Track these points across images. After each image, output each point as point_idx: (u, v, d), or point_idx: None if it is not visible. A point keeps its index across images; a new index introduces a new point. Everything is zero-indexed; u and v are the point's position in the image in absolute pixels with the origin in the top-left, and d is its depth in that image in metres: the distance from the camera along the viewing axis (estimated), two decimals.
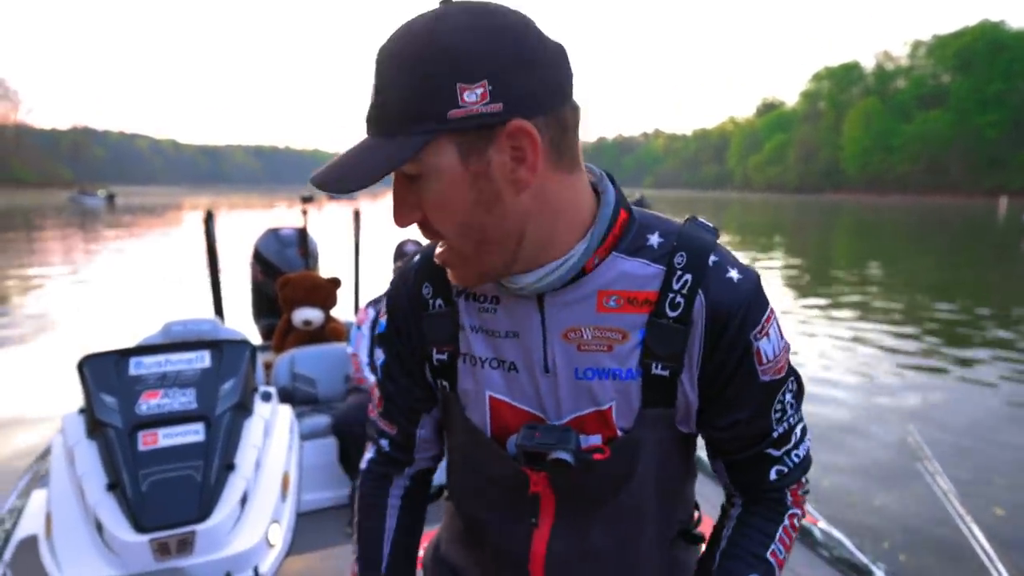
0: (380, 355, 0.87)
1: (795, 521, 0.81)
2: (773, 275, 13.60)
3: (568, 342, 0.72)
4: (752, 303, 0.71)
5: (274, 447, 2.22)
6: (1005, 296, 11.38)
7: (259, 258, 4.75)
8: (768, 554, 0.78)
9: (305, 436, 2.97)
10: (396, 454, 0.91)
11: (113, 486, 1.86)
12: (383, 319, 0.86)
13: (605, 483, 0.76)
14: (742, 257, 0.79)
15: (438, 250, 0.70)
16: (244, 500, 1.96)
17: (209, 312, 4.17)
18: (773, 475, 0.78)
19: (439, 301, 0.79)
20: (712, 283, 0.70)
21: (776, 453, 0.78)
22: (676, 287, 0.70)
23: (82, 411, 2.11)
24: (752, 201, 78.23)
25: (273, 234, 4.81)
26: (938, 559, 2.90)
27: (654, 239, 0.72)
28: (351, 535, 2.70)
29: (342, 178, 0.61)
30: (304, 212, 4.78)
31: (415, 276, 0.82)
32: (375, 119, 0.62)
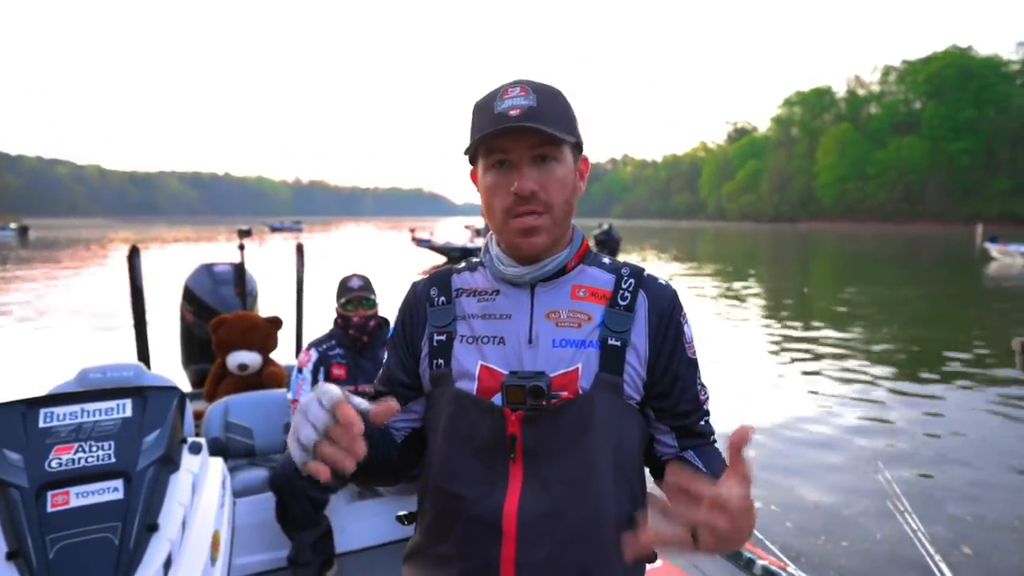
0: (386, 355, 1.21)
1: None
2: (755, 304, 13.91)
3: (549, 320, 1.08)
4: (676, 298, 1.13)
5: (203, 505, 2.15)
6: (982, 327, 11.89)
7: (190, 297, 4.61)
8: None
9: (239, 492, 2.89)
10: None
11: (13, 555, 1.78)
12: (394, 325, 1.21)
13: (566, 433, 1.02)
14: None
15: (530, 221, 1.03)
16: (168, 564, 1.90)
17: (132, 358, 4.05)
18: (706, 431, 1.14)
19: (442, 299, 1.16)
20: (649, 285, 1.12)
21: (704, 422, 1.14)
22: (624, 287, 1.11)
23: None
24: (727, 231, 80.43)
25: (206, 270, 4.69)
26: None
27: (606, 260, 1.17)
28: None
29: (551, 129, 0.99)
30: (241, 247, 4.70)
31: (426, 284, 1.20)
32: (538, 114, 1.00)
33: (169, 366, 4.50)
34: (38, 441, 1.99)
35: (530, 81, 1.05)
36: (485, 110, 1.04)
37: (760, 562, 2.14)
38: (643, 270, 1.14)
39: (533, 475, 1.02)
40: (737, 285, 18.82)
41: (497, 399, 1.03)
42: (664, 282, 1.14)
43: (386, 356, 1.20)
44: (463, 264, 1.22)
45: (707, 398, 1.16)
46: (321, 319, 4.99)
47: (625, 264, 1.15)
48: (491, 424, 1.03)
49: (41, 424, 2.04)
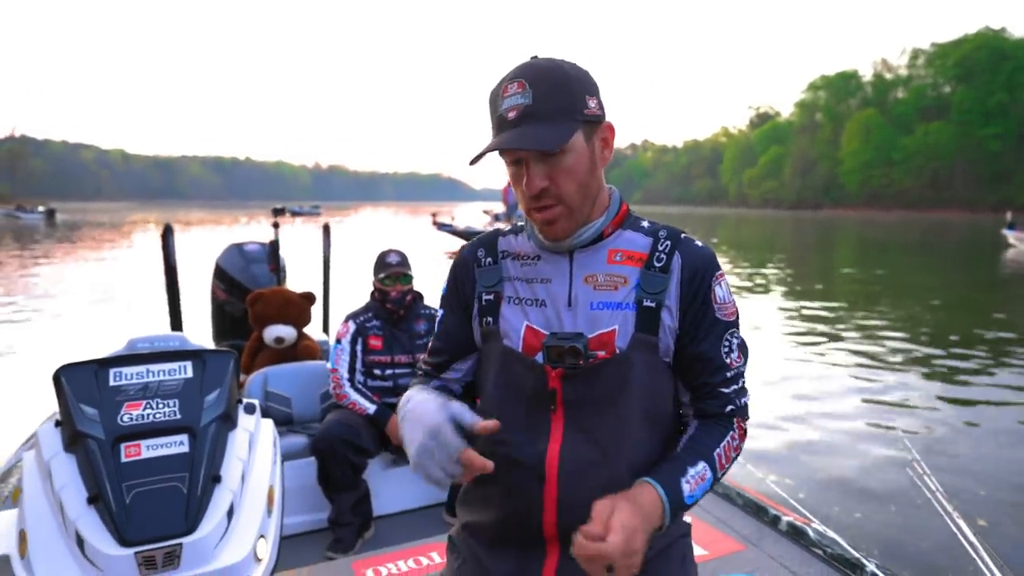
0: (440, 312, 1.29)
1: (735, 442, 1.15)
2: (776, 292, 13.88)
3: (586, 284, 1.13)
4: (712, 260, 1.15)
5: (259, 461, 2.31)
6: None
7: (221, 275, 4.74)
8: (714, 452, 1.10)
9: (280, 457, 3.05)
10: (432, 371, 1.28)
11: (94, 499, 1.94)
12: (444, 287, 1.28)
13: (604, 389, 1.09)
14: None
15: (547, 213, 1.08)
16: (231, 513, 2.05)
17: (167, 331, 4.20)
18: (728, 408, 1.15)
19: (489, 259, 1.23)
20: (685, 246, 1.14)
21: (727, 391, 1.14)
22: (660, 249, 1.14)
23: (58, 423, 2.19)
24: (748, 217, 79.71)
25: (236, 249, 4.83)
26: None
27: (644, 223, 1.19)
28: (331, 559, 2.79)
29: (540, 140, 1.02)
30: (275, 225, 4.85)
31: (473, 246, 1.27)
32: (535, 112, 1.03)
33: (200, 341, 4.68)
34: (110, 398, 2.15)
35: (532, 67, 1.06)
36: (493, 107, 1.08)
37: (785, 518, 2.24)
38: (681, 232, 1.16)
39: (573, 425, 1.10)
40: (757, 269, 18.74)
41: (540, 357, 1.11)
42: (702, 244, 1.15)
43: (440, 314, 1.28)
44: (508, 229, 1.28)
45: (738, 364, 1.15)
46: (347, 296, 5.15)
47: (664, 227, 1.18)
48: (534, 378, 1.11)
49: (111, 383, 2.20)
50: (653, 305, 1.10)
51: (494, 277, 1.20)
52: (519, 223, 1.27)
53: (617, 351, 1.09)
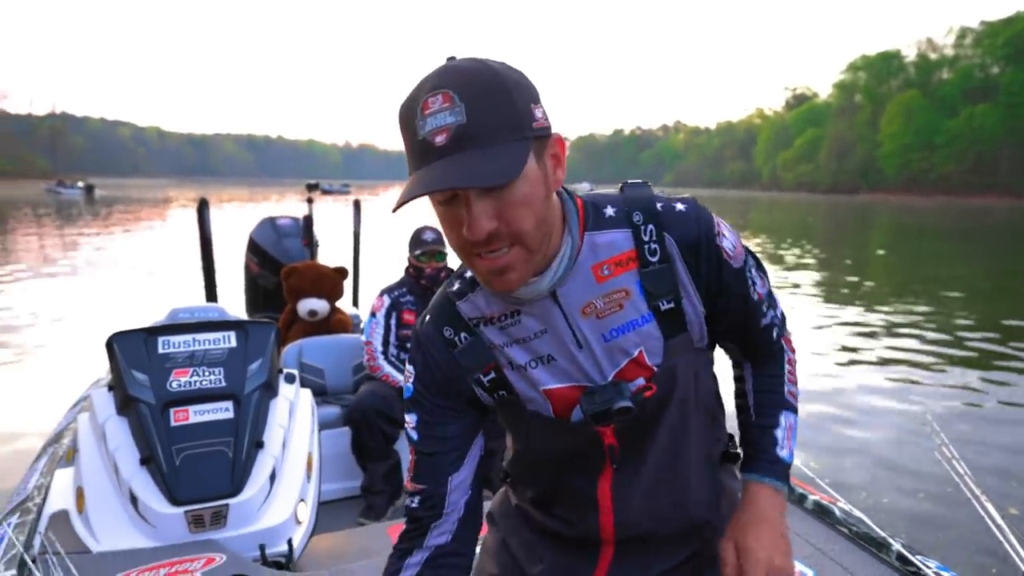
0: (412, 418, 1.02)
1: (792, 365, 1.11)
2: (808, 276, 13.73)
3: (587, 317, 0.94)
4: (701, 219, 0.95)
5: (298, 428, 2.41)
6: None
7: (255, 249, 4.86)
8: (785, 393, 1.07)
9: None
10: (423, 511, 1.03)
11: (146, 460, 2.05)
12: (408, 383, 1.03)
13: (656, 412, 0.98)
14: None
15: (497, 260, 0.84)
16: (273, 477, 2.15)
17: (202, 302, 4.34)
18: (774, 335, 1.08)
19: (463, 335, 0.99)
20: (670, 222, 0.94)
21: (767, 321, 1.05)
22: (646, 239, 0.93)
23: (111, 388, 2.30)
24: (781, 201, 78.30)
25: (270, 223, 4.93)
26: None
27: (609, 211, 0.95)
28: (364, 525, 2.88)
29: (487, 173, 0.76)
30: (309, 200, 4.94)
31: (432, 326, 1.00)
32: (472, 133, 0.77)
33: (234, 313, 4.82)
34: (159, 364, 2.25)
35: (455, 71, 0.79)
36: (407, 129, 0.81)
37: (811, 497, 2.26)
38: (654, 204, 0.95)
39: (629, 455, 1.00)
40: (791, 254, 18.49)
41: (577, 413, 0.97)
42: (681, 207, 0.95)
43: (413, 421, 1.03)
44: (456, 285, 1.01)
45: (764, 291, 1.04)
46: (377, 271, 5.23)
47: (633, 205, 0.95)
48: (586, 439, 0.99)
49: (160, 350, 2.30)
50: (672, 306, 0.94)
51: (480, 354, 0.99)
52: (466, 272, 1.00)
53: (656, 370, 0.96)
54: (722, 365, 1.09)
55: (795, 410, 1.07)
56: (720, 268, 0.96)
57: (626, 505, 1.02)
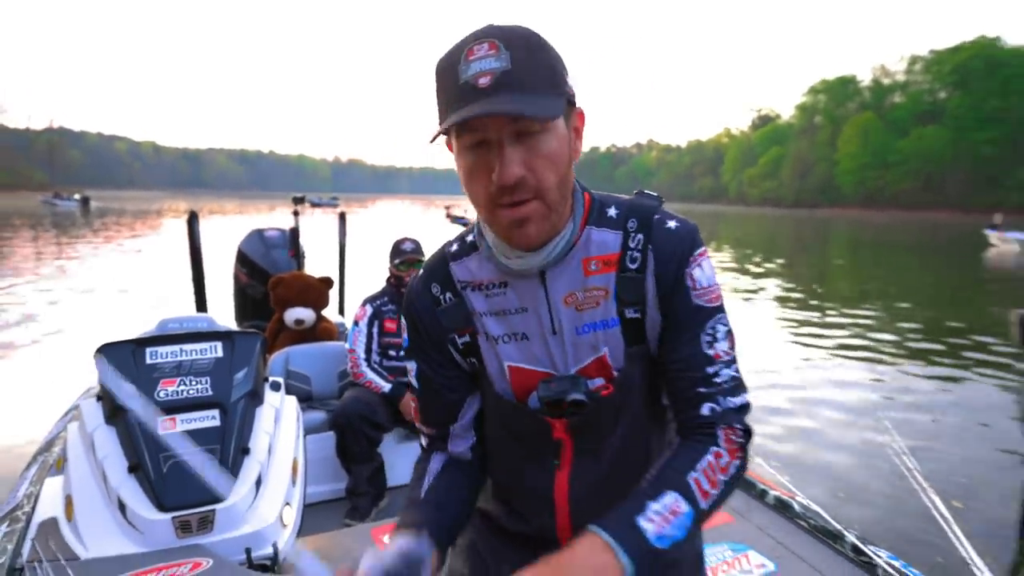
0: (412, 365, 1.04)
1: (720, 461, 0.89)
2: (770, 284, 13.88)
3: (568, 306, 0.93)
4: (685, 241, 0.92)
5: (283, 434, 2.38)
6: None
7: (243, 260, 4.84)
8: (689, 478, 0.85)
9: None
10: (435, 446, 1.07)
11: (134, 468, 2.02)
12: (404, 335, 1.04)
13: (610, 416, 0.96)
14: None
15: (520, 210, 0.84)
16: (259, 482, 2.12)
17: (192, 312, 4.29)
18: (706, 411, 0.91)
19: (448, 295, 0.99)
20: (657, 235, 0.92)
21: (707, 391, 0.91)
22: (632, 246, 0.92)
23: (99, 398, 2.26)
24: (747, 215, 79.32)
25: (258, 235, 4.91)
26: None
27: (612, 211, 0.96)
28: (349, 526, 2.86)
29: (529, 107, 0.77)
30: (295, 213, 4.92)
31: (423, 282, 1.02)
32: (515, 81, 0.77)
33: (223, 322, 4.76)
34: (147, 375, 2.22)
35: (500, 29, 0.80)
36: (448, 75, 0.80)
37: (772, 492, 2.29)
38: (653, 215, 0.93)
39: (583, 454, 0.98)
40: (754, 264, 18.71)
41: (534, 399, 0.96)
42: (674, 226, 0.93)
43: (413, 369, 1.05)
44: (455, 246, 1.01)
45: (725, 357, 0.91)
46: (362, 281, 5.21)
47: (636, 208, 0.95)
48: (537, 428, 0.97)
49: (148, 361, 2.27)
50: (637, 316, 0.92)
51: (459, 317, 0.98)
52: (468, 236, 1.02)
53: (615, 374, 0.94)
54: None
55: (693, 504, 0.84)
56: (677, 291, 0.91)
57: (580, 507, 0.99)
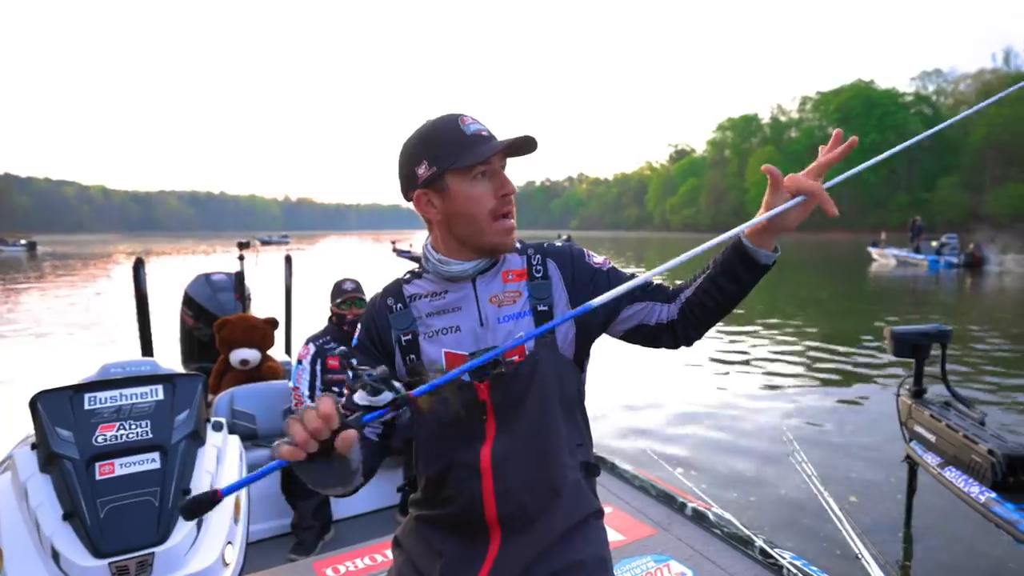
0: (354, 361, 1.24)
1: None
2: None
3: (492, 304, 1.20)
4: (572, 247, 1.28)
5: (226, 473, 2.28)
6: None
7: (190, 303, 4.67)
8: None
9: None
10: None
11: (70, 515, 1.89)
12: (356, 337, 1.26)
13: (522, 387, 1.15)
14: None
15: (511, 222, 1.18)
16: (200, 523, 2.02)
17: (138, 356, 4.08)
18: (668, 288, 1.27)
19: (399, 305, 1.24)
20: (551, 252, 1.26)
21: (651, 287, 1.24)
22: (534, 262, 1.24)
23: (34, 447, 2.11)
24: (670, 239, 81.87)
25: (204, 279, 4.76)
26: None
27: (518, 245, 1.26)
28: (293, 561, 2.76)
29: (530, 142, 1.11)
30: (240, 257, 4.78)
31: (382, 296, 1.28)
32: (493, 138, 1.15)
33: (170, 364, 4.55)
34: (85, 420, 2.10)
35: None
36: (454, 134, 1.11)
37: (690, 504, 2.34)
38: (544, 244, 1.28)
39: (504, 425, 1.16)
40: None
41: (465, 377, 1.13)
42: (560, 243, 1.29)
43: (353, 362, 1.21)
44: (408, 275, 1.28)
45: (642, 281, 1.09)
46: (308, 319, 5.10)
47: (529, 245, 1.28)
48: (465, 396, 1.14)
49: (86, 406, 2.15)
50: (546, 308, 1.19)
51: (406, 320, 1.21)
52: (416, 268, 1.28)
53: (527, 354, 1.16)
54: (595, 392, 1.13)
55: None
56: (595, 274, 1.24)
57: (502, 472, 1.15)
